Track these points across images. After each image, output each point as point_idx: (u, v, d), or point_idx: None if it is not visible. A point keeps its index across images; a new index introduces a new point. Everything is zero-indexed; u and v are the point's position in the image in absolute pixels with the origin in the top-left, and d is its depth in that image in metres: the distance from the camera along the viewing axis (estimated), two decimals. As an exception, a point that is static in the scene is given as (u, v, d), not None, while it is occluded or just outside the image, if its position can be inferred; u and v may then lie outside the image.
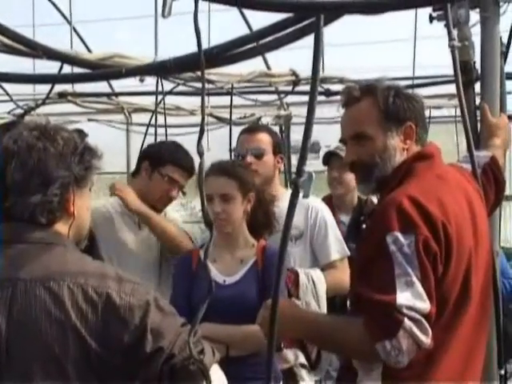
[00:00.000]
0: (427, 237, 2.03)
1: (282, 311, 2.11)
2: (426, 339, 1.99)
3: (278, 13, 1.75)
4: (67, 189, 1.77)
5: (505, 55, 2.72)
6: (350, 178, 4.17)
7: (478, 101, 2.71)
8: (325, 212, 3.61)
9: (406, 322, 1.97)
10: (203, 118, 1.35)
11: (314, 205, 3.58)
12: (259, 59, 5.53)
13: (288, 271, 3.28)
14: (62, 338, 1.66)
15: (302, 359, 3.31)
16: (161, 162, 3.49)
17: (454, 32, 2.41)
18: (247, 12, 6.01)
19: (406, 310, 1.97)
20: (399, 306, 1.97)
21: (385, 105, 2.26)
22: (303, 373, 3.34)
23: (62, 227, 1.80)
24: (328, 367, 3.70)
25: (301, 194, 2.27)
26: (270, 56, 5.76)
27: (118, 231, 3.50)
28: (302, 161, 1.58)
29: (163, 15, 1.30)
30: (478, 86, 2.70)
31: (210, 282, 1.50)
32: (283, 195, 3.52)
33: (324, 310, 3.31)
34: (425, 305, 2.00)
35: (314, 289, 3.31)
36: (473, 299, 2.18)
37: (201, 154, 1.35)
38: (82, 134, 2.02)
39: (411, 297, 1.99)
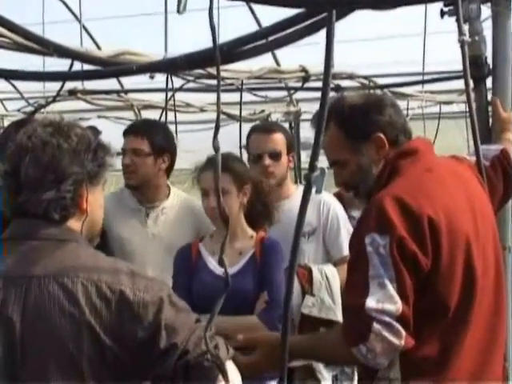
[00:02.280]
0: (402, 237, 2.02)
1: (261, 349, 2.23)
2: (399, 341, 2.00)
3: (289, 8, 1.74)
4: (80, 185, 1.77)
5: (517, 49, 2.70)
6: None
7: (489, 95, 2.70)
8: (337, 207, 3.61)
9: (375, 325, 1.98)
10: (218, 115, 1.34)
11: (327, 200, 3.58)
12: (268, 55, 5.54)
13: (301, 268, 3.28)
14: (76, 334, 1.66)
15: None
16: None
17: (465, 27, 2.40)
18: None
19: (374, 313, 1.99)
20: (368, 310, 1.99)
21: (344, 127, 2.27)
22: (321, 367, 3.35)
23: (74, 224, 1.80)
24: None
25: (313, 190, 2.28)
26: (278, 52, 5.77)
27: (120, 223, 3.44)
28: (315, 156, 1.57)
29: (178, 11, 1.30)
30: (489, 81, 2.69)
31: (226, 276, 1.50)
32: (295, 192, 3.53)
33: (339, 305, 3.30)
34: (395, 306, 2.00)
35: (328, 284, 3.31)
36: (482, 294, 2.15)
37: (216, 149, 1.35)
38: (95, 131, 2.02)
39: (381, 299, 2.00)
